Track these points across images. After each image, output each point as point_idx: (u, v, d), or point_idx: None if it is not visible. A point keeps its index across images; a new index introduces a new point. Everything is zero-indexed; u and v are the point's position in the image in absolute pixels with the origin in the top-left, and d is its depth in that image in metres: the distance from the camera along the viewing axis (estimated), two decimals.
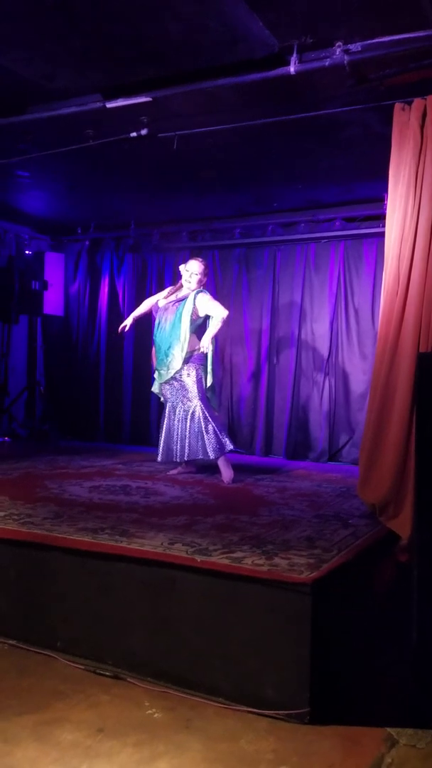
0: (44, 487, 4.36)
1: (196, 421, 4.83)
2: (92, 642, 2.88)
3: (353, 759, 2.23)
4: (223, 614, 2.64)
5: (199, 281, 4.96)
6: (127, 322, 5.30)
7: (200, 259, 5.11)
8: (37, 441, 7.05)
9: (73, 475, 4.92)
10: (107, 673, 2.75)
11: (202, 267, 5.00)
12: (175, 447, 4.93)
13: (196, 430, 4.83)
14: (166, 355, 4.91)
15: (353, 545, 3.10)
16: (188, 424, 4.86)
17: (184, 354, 4.84)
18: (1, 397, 7.16)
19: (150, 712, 2.48)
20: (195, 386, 4.88)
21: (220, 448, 4.80)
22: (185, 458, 4.91)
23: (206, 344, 4.83)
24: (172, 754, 2.21)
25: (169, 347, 4.89)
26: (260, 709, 2.46)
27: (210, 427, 4.81)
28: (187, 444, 4.84)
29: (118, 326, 7.33)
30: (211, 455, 4.80)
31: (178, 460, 4.96)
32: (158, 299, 5.19)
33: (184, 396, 4.92)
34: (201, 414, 4.84)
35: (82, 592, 2.96)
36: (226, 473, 4.83)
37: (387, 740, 2.33)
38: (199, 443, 4.80)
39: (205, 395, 4.92)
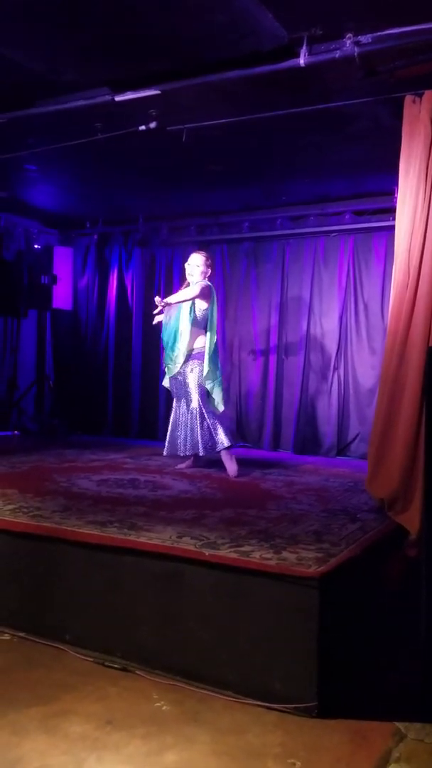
0: (53, 480, 4.37)
1: (193, 416, 4.87)
2: (101, 634, 2.89)
3: (361, 753, 2.23)
4: (231, 608, 2.64)
5: (203, 273, 4.98)
6: (158, 309, 5.19)
7: (201, 252, 5.14)
8: (46, 435, 7.08)
9: (82, 468, 4.94)
10: (116, 666, 2.76)
11: (203, 258, 5.02)
12: (179, 441, 4.96)
13: (191, 425, 4.87)
14: (172, 350, 4.96)
15: (361, 539, 3.09)
16: (188, 419, 4.90)
17: (186, 348, 4.88)
18: (10, 391, 7.19)
19: (158, 704, 2.49)
20: (195, 382, 4.90)
21: (211, 446, 4.82)
22: (186, 452, 4.93)
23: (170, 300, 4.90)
24: (181, 746, 2.22)
25: (174, 342, 4.94)
26: (268, 703, 2.47)
27: (205, 424, 4.83)
28: (185, 438, 4.89)
29: (127, 320, 7.45)
30: (201, 452, 4.84)
31: (180, 454, 4.99)
32: None
33: (185, 391, 4.94)
34: (197, 410, 4.87)
35: (91, 585, 2.97)
36: (230, 467, 4.87)
37: (395, 734, 2.33)
38: (195, 439, 4.84)
39: (204, 392, 4.92)
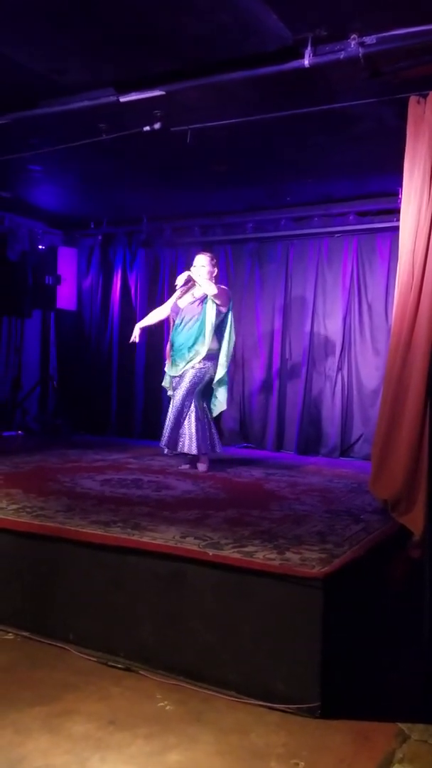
0: (57, 480, 4.38)
1: (177, 410, 4.92)
2: (104, 634, 2.89)
3: (364, 754, 2.22)
4: (234, 608, 2.64)
5: (209, 273, 5.01)
6: (136, 333, 5.35)
7: (205, 253, 5.19)
8: (49, 435, 7.09)
9: (85, 468, 4.94)
10: (119, 666, 2.76)
11: (208, 259, 5.06)
12: (167, 436, 5.03)
13: (176, 419, 4.93)
14: (189, 351, 4.96)
15: (365, 540, 3.09)
16: (173, 413, 4.96)
17: (205, 350, 4.91)
18: (14, 391, 7.19)
19: (161, 704, 2.49)
20: (190, 381, 4.93)
21: (190, 445, 4.89)
22: (172, 447, 4.99)
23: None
24: (184, 746, 2.22)
25: (194, 344, 4.95)
26: (271, 703, 2.47)
27: (189, 421, 4.89)
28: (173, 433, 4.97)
29: (131, 321, 7.43)
30: (181, 449, 4.93)
31: (170, 448, 5.04)
32: (170, 304, 5.21)
33: (179, 385, 4.97)
34: (188, 408, 4.91)
35: (95, 585, 2.97)
36: (200, 466, 4.98)
37: (398, 735, 2.33)
38: (179, 434, 4.92)
39: (196, 392, 4.95)
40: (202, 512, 3.55)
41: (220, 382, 5.00)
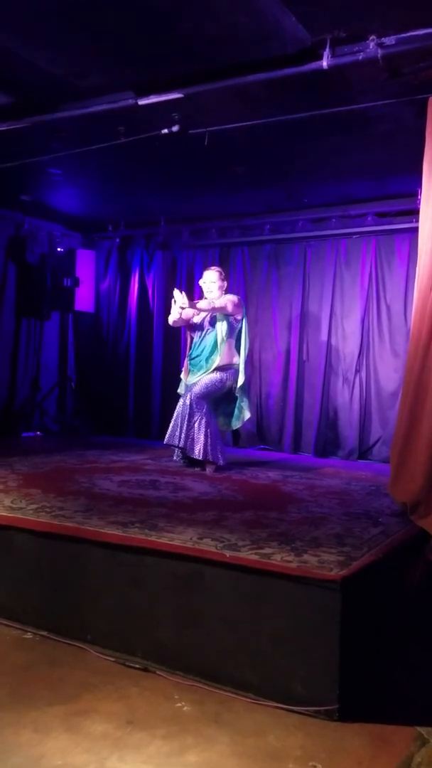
0: (75, 480, 4.41)
1: (185, 407, 4.94)
2: (122, 634, 2.90)
3: (382, 757, 2.21)
4: (252, 609, 2.64)
5: (220, 287, 5.08)
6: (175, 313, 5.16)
7: (213, 268, 5.25)
8: (68, 436, 7.14)
9: (103, 469, 4.97)
10: (137, 666, 2.77)
11: (217, 274, 5.12)
12: (176, 432, 5.05)
13: (183, 417, 4.95)
14: (206, 362, 5.01)
15: (383, 543, 3.07)
16: (185, 415, 4.97)
17: (220, 362, 4.95)
18: (33, 392, 7.25)
19: (179, 705, 2.49)
20: (209, 385, 4.95)
21: (191, 447, 4.93)
22: (179, 443, 5.03)
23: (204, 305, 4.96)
24: (201, 747, 2.22)
25: (210, 355, 5.00)
26: (289, 705, 2.46)
27: (203, 428, 4.92)
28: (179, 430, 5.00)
29: (148, 323, 7.50)
30: (196, 455, 4.95)
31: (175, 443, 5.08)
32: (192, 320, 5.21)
33: (192, 387, 4.99)
34: (202, 414, 4.92)
35: (113, 585, 2.99)
36: (209, 468, 4.99)
37: (417, 739, 2.31)
38: (183, 431, 4.94)
39: (211, 398, 4.98)
40: (220, 514, 3.55)
41: (242, 389, 5.06)
